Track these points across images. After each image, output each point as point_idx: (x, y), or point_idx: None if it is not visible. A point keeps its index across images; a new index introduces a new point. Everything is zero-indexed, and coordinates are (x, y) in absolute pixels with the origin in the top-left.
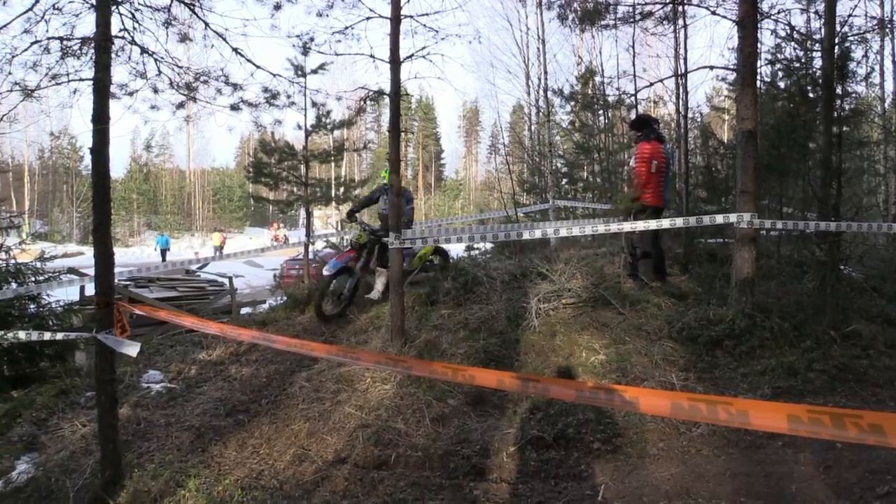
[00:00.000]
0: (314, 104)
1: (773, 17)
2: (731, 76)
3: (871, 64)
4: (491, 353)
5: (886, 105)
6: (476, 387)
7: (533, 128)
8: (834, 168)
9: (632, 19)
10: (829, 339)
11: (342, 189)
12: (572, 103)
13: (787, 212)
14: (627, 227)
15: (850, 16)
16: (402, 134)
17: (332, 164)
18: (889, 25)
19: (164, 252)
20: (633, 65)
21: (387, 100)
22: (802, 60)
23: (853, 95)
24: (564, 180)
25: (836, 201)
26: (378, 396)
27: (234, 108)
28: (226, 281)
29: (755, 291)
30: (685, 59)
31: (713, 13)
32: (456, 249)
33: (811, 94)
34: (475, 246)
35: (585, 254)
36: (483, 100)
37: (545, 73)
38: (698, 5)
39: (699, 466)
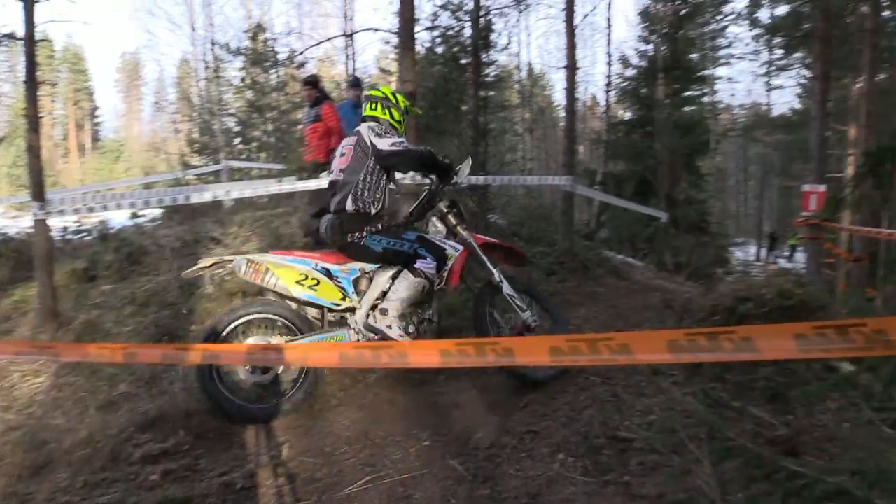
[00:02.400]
0: None
1: None
2: (395, 40)
3: (510, 35)
4: (163, 327)
5: (522, 73)
6: (150, 365)
7: (201, 84)
8: (482, 128)
9: None
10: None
11: None
12: (242, 59)
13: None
14: (301, 185)
15: None
16: (41, 86)
17: None
18: (524, 3)
19: None
20: (300, 22)
21: (21, 45)
22: (455, 28)
23: (496, 63)
24: (237, 140)
25: (483, 158)
26: (29, 392)
27: None
28: None
29: None
30: (352, 20)
31: None
32: (119, 218)
33: (463, 61)
34: (141, 213)
35: (262, 215)
36: (145, 51)
37: (212, 25)
38: None
39: (376, 409)
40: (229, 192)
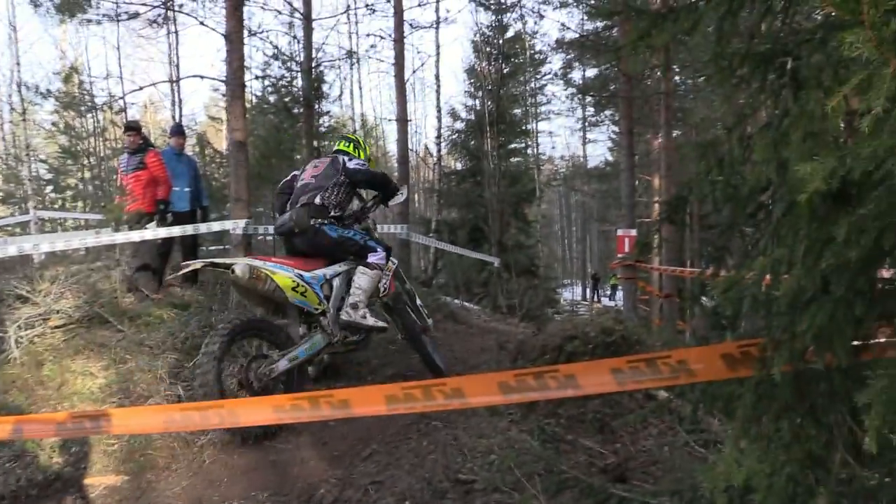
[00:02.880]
0: None
1: (259, 36)
2: (224, 87)
3: (342, 87)
4: None
5: (356, 124)
6: None
7: (7, 127)
8: None
9: (118, 18)
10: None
11: None
12: (53, 102)
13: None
14: (122, 237)
15: (323, 44)
16: None
17: None
18: (355, 56)
19: None
20: (120, 65)
21: None
22: (287, 79)
23: (329, 114)
24: (49, 188)
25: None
26: None
27: None
28: None
29: None
30: (178, 65)
31: (202, 24)
32: None
33: (295, 110)
34: None
35: (77, 269)
36: None
37: (18, 64)
38: (188, 14)
39: (212, 473)
40: (38, 245)
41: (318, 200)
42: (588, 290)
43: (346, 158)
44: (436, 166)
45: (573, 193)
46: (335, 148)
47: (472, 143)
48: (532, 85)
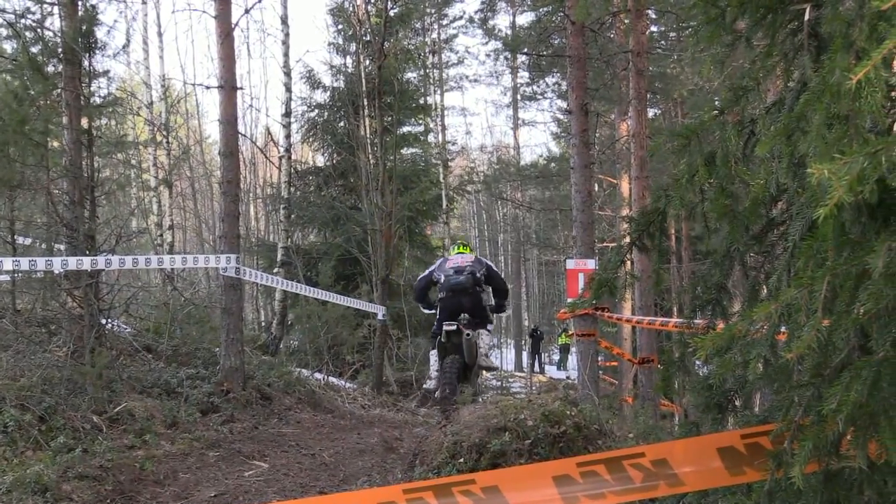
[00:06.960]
0: None
1: None
2: None
3: (130, 32)
4: None
5: (154, 92)
6: None
7: None
8: (86, 178)
9: None
10: (92, 427)
11: None
12: None
13: (23, 244)
14: None
15: None
16: None
17: None
18: None
19: None
20: None
21: None
22: (36, 16)
23: (109, 74)
24: None
25: (90, 225)
26: None
27: None
28: None
29: None
30: None
31: None
32: None
33: (50, 68)
34: None
35: None
36: None
37: None
38: None
39: None
40: None
41: (478, 275)
42: (525, 354)
43: (488, 262)
44: (283, 161)
45: (499, 204)
46: (458, 251)
47: (342, 124)
48: (435, 35)
